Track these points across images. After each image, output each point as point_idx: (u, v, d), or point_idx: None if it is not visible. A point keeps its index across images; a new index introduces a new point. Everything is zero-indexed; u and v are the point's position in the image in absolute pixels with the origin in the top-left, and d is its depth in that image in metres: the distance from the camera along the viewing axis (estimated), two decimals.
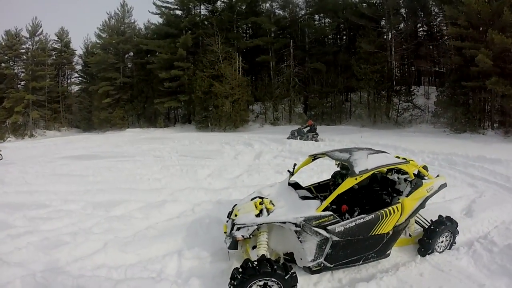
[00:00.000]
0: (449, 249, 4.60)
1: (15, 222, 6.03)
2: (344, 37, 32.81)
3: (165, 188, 8.17)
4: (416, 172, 4.84)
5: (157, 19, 38.36)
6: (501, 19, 15.26)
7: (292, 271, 3.60)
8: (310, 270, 3.98)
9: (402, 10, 26.67)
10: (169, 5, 32.80)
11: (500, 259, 4.23)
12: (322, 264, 3.96)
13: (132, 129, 31.86)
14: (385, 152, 4.89)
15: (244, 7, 32.80)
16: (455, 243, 4.65)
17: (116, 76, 34.51)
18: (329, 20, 31.63)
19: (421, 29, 28.29)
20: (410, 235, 4.74)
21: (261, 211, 4.20)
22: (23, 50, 38.88)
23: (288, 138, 16.66)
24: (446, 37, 23.90)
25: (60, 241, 5.07)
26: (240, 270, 3.53)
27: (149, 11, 33.35)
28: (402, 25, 25.77)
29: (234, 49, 29.68)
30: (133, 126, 34.37)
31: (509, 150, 11.50)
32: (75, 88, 44.74)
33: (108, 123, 34.01)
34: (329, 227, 3.86)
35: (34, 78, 36.61)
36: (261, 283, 3.54)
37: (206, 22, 32.35)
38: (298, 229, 3.81)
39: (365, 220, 3.99)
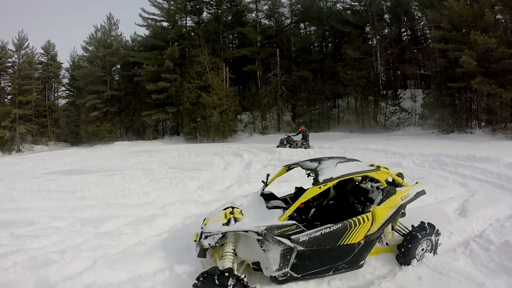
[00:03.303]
0: (435, 253, 4.51)
1: (2, 240, 5.83)
2: (330, 45, 33.18)
3: (154, 202, 8.00)
4: (391, 180, 4.80)
5: (143, 31, 38.62)
6: (483, 20, 15.66)
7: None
8: (277, 280, 3.94)
9: (386, 16, 27.21)
10: (155, 17, 32.86)
11: (498, 257, 4.22)
12: (289, 274, 3.91)
13: (121, 142, 31.53)
14: (357, 161, 4.87)
15: (230, 18, 32.99)
16: (439, 245, 4.56)
17: (103, 89, 34.33)
18: (315, 28, 31.95)
19: (405, 33, 28.89)
20: (387, 244, 4.59)
21: (229, 220, 4.20)
22: (10, 64, 38.55)
23: (278, 146, 16.58)
24: (430, 40, 24.39)
25: (48, 260, 4.88)
26: (201, 278, 3.55)
27: (135, 23, 33.51)
28: (386, 31, 26.16)
29: (221, 59, 29.74)
30: (121, 139, 34.05)
31: (497, 147, 11.66)
32: (62, 102, 44.55)
33: (96, 136, 33.66)
34: (292, 237, 3.83)
35: (21, 92, 36.23)
36: None
37: (192, 34, 32.44)
38: (260, 237, 3.81)
39: (331, 229, 3.93)
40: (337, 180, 4.16)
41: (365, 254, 4.18)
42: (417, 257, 4.36)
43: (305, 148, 16.05)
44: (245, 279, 3.65)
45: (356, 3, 28.28)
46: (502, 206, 5.91)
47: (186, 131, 29.32)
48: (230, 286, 3.46)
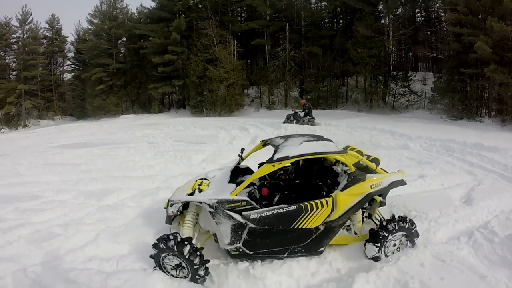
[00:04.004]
0: (413, 245, 4.28)
1: (7, 215, 5.94)
2: (341, 21, 32.37)
3: (158, 174, 8.10)
4: (364, 165, 4.52)
5: (149, 3, 37.78)
6: (501, 7, 14.98)
7: (197, 254, 3.79)
8: (230, 254, 4.06)
9: None
10: None
11: (501, 249, 4.16)
12: (241, 250, 3.97)
13: (126, 115, 31.44)
14: (328, 141, 4.62)
15: None
16: (415, 243, 4.29)
17: (109, 62, 33.98)
18: (326, 3, 31.08)
19: (419, 14, 27.97)
20: (355, 233, 4.41)
21: (194, 190, 4.38)
22: (14, 40, 38.17)
23: (284, 122, 16.48)
24: (444, 23, 23.60)
25: (51, 234, 4.99)
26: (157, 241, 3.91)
27: None
28: (400, 10, 25.32)
29: (229, 32, 29.13)
30: (127, 112, 33.98)
31: (506, 138, 11.37)
32: (67, 76, 44.31)
33: (102, 110, 33.67)
34: (244, 213, 3.86)
35: (26, 67, 36.11)
36: (170, 259, 3.89)
37: (200, 5, 31.60)
38: (211, 210, 3.89)
39: (284, 210, 3.88)
40: (293, 159, 4.03)
41: (325, 241, 4.08)
42: (388, 254, 4.19)
43: (311, 124, 15.90)
44: (198, 245, 3.96)
45: None
46: (508, 198, 5.79)
47: (192, 104, 29.06)
48: (192, 259, 3.76)
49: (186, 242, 3.80)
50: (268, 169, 4.00)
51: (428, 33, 25.52)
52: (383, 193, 4.32)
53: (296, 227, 3.91)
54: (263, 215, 3.87)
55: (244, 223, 3.86)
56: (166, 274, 3.95)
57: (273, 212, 3.87)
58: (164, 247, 3.81)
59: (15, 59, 37.89)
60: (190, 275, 3.86)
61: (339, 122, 15.66)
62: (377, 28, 23.48)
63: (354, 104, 25.22)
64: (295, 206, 3.88)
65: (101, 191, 6.90)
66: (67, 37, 42.19)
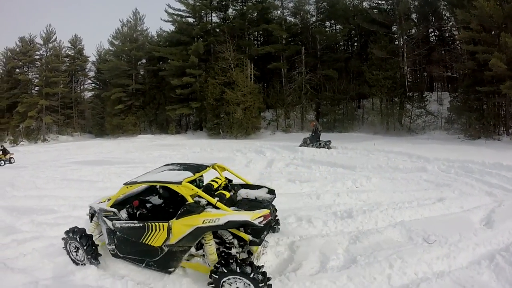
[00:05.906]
0: None
1: (22, 227, 6.06)
2: (356, 44, 32.63)
3: None
4: (220, 197, 4.34)
5: (169, 27, 38.96)
6: None
7: (87, 239, 4.70)
8: (110, 253, 4.68)
9: (414, 15, 26.36)
10: (181, 13, 33.17)
11: None
12: (115, 251, 4.60)
13: (144, 135, 32.06)
14: (189, 172, 4.57)
15: (255, 15, 32.80)
16: None
17: (128, 83, 34.95)
18: (340, 27, 31.40)
19: (432, 34, 27.99)
20: (209, 265, 4.14)
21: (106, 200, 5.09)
22: (37, 57, 40.30)
23: (301, 145, 16.28)
24: (458, 42, 23.51)
25: None
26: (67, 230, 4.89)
27: (161, 19, 33.86)
28: (413, 31, 25.41)
29: (246, 56, 29.69)
30: (144, 132, 34.63)
31: None
32: (88, 94, 45.92)
33: (120, 129, 34.44)
34: (113, 221, 4.57)
35: (48, 84, 37.67)
36: (73, 246, 4.80)
37: (217, 30, 32.55)
38: (97, 215, 4.87)
39: (134, 225, 4.38)
40: (140, 184, 4.71)
41: (172, 262, 4.20)
42: None
43: (328, 148, 15.71)
44: (96, 241, 4.83)
45: (383, 2, 27.70)
46: None
47: (209, 126, 29.38)
48: (83, 243, 4.64)
49: (79, 231, 4.75)
50: (124, 190, 4.79)
51: (442, 52, 25.44)
52: (257, 231, 4.00)
53: (143, 242, 4.28)
54: (122, 225, 4.48)
55: (113, 229, 4.55)
56: (71, 256, 4.83)
57: (127, 225, 4.44)
58: (70, 235, 4.75)
59: (37, 75, 39.76)
60: (85, 257, 4.67)
61: (355, 145, 15.47)
62: (392, 50, 23.58)
63: (371, 127, 24.99)
64: (141, 224, 4.29)
65: None
66: (88, 57, 44.21)
